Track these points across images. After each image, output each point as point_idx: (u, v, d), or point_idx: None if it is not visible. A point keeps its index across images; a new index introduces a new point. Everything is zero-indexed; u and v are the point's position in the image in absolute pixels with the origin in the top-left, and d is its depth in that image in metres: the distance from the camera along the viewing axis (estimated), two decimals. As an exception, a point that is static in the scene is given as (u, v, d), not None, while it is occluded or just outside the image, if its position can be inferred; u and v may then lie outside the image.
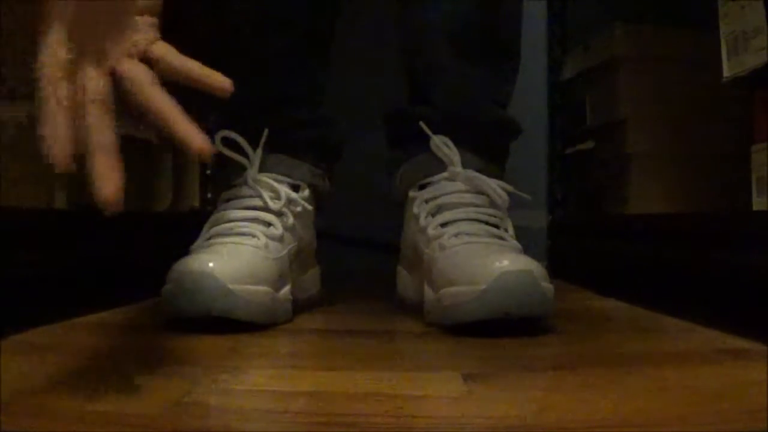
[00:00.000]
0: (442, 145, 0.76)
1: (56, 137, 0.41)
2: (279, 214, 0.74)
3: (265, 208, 0.74)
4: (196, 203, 1.15)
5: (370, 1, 1.16)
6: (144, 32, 0.46)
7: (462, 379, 0.47)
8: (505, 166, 0.83)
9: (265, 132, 0.76)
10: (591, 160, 1.18)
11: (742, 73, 0.72)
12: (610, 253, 1.03)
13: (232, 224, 0.71)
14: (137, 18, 0.46)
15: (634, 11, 1.08)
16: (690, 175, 1.01)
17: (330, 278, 0.89)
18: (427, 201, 0.76)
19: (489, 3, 0.79)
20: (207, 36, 0.67)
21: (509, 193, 0.75)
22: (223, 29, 0.66)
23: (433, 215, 0.75)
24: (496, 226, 0.73)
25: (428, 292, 0.71)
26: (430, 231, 0.73)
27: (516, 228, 0.74)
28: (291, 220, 0.75)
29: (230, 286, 0.62)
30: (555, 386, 0.49)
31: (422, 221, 0.75)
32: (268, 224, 0.73)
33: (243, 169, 0.75)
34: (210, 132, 0.73)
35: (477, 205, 0.74)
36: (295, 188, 0.78)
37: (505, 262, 0.63)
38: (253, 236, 0.70)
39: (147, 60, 0.46)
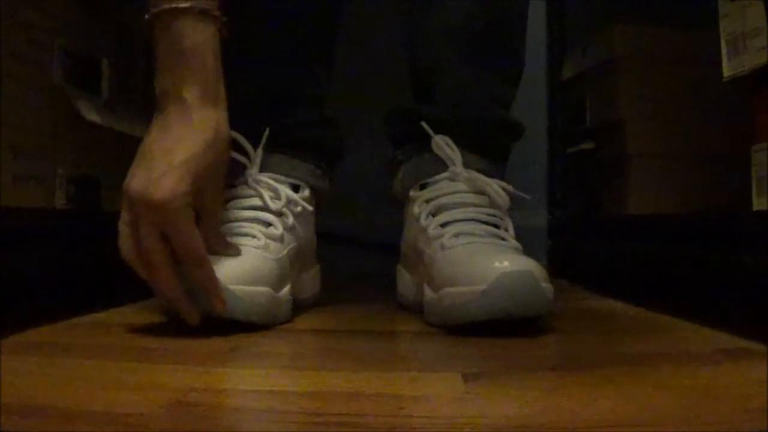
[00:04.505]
0: (443, 145, 0.76)
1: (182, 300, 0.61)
2: (279, 214, 0.74)
3: (265, 208, 0.74)
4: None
5: (373, 2, 1.16)
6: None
7: (462, 379, 0.47)
8: (506, 166, 0.83)
9: (266, 132, 0.76)
10: (591, 160, 1.18)
11: (742, 73, 0.71)
12: (610, 253, 1.03)
13: (232, 224, 0.71)
14: None
15: (634, 11, 1.08)
16: (690, 175, 1.01)
17: (330, 278, 0.89)
18: (427, 201, 0.76)
19: (493, 4, 0.79)
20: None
21: (509, 193, 0.75)
22: (229, 22, 0.66)
23: (434, 215, 0.75)
24: (497, 226, 0.73)
25: (428, 292, 0.71)
26: (431, 231, 0.73)
27: (516, 228, 0.74)
28: (291, 220, 0.75)
29: (230, 287, 0.62)
30: (555, 386, 0.49)
31: (423, 221, 0.75)
32: (268, 224, 0.73)
33: (243, 168, 0.75)
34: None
35: (477, 206, 0.74)
36: (296, 188, 0.78)
37: (506, 263, 0.63)
38: (253, 236, 0.70)
39: None
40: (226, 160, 0.66)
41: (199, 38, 0.63)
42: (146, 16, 0.64)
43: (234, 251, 0.66)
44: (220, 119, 0.64)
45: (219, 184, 0.66)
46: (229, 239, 0.70)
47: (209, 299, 0.61)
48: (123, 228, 0.61)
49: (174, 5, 0.62)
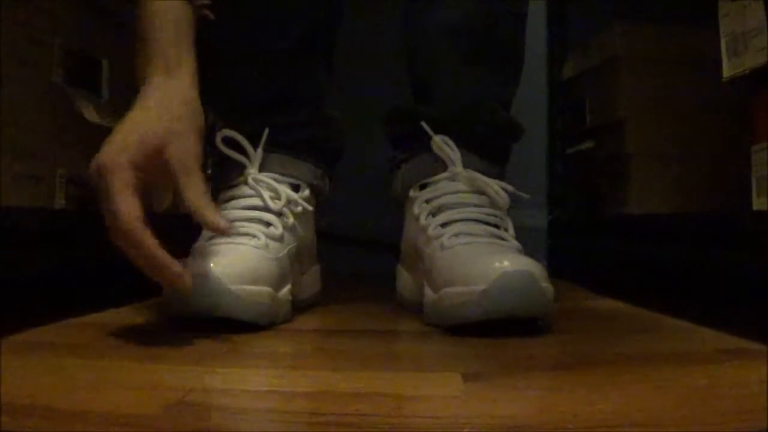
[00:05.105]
0: (443, 145, 0.76)
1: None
2: (279, 214, 0.74)
3: (265, 208, 0.74)
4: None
5: (372, 1, 1.16)
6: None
7: (462, 379, 0.47)
8: (506, 166, 0.83)
9: (266, 131, 0.76)
10: (591, 160, 1.18)
11: (742, 73, 0.72)
12: (610, 253, 1.03)
13: (231, 224, 0.71)
14: None
15: (634, 11, 1.08)
16: (690, 175, 1.01)
17: (330, 278, 0.89)
18: (427, 201, 0.76)
19: (492, 4, 0.79)
20: (211, 35, 0.68)
21: (509, 193, 0.75)
22: (226, 29, 0.66)
23: (434, 215, 0.75)
24: (497, 227, 0.73)
25: (428, 292, 0.71)
26: (431, 231, 0.73)
27: (516, 228, 0.74)
28: (291, 220, 0.75)
29: (230, 287, 0.62)
30: (555, 386, 0.49)
31: (423, 221, 0.75)
32: (268, 224, 0.73)
33: (243, 168, 0.75)
34: (211, 131, 0.73)
35: (477, 206, 0.74)
36: (295, 188, 0.78)
37: (506, 263, 0.63)
38: (253, 236, 0.70)
39: None
40: (182, 115, 0.62)
41: (163, 14, 0.63)
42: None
43: (222, 223, 0.62)
44: (174, 84, 0.63)
45: (184, 138, 0.61)
46: (229, 239, 0.70)
47: (162, 280, 0.59)
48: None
49: None
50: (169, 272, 0.58)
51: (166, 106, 0.62)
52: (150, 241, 0.57)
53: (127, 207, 0.56)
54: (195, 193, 0.61)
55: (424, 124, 0.77)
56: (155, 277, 0.59)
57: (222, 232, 0.63)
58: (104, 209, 0.58)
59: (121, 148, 0.58)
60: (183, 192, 0.61)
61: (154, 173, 0.60)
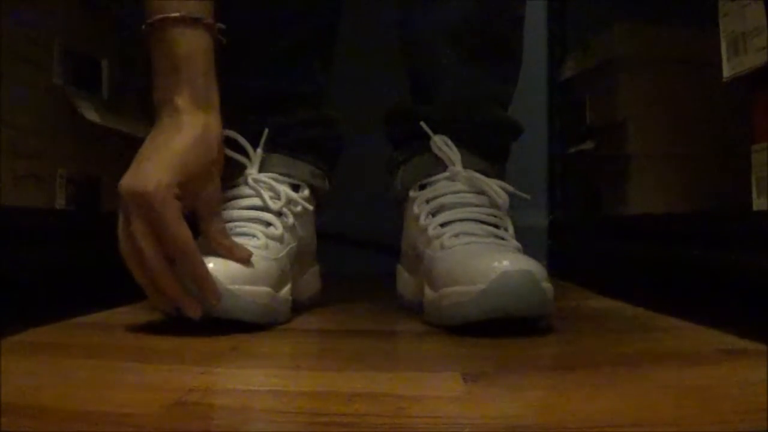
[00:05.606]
0: (442, 145, 0.76)
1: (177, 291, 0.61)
2: (279, 214, 0.74)
3: (265, 208, 0.74)
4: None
5: (371, 1, 1.16)
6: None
7: (462, 379, 0.47)
8: (505, 166, 0.83)
9: (266, 131, 0.76)
10: (591, 160, 1.18)
11: (742, 73, 0.71)
12: (610, 253, 1.03)
13: (231, 224, 0.71)
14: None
15: (634, 11, 1.08)
16: (690, 175, 1.01)
17: (330, 278, 0.89)
18: (427, 201, 0.76)
19: (490, 3, 0.79)
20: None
21: (509, 193, 0.75)
22: (225, 29, 0.67)
23: (434, 215, 0.75)
24: (497, 226, 0.73)
25: (428, 292, 0.71)
26: (431, 231, 0.73)
27: (516, 228, 0.74)
28: (291, 220, 0.75)
29: (230, 287, 0.62)
30: (555, 386, 0.49)
31: (422, 221, 0.75)
32: (268, 224, 0.73)
33: (243, 168, 0.75)
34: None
35: (477, 205, 0.74)
36: (295, 188, 0.78)
37: (505, 262, 0.63)
38: (253, 236, 0.70)
39: None
40: (217, 157, 0.66)
41: (191, 46, 0.65)
42: (142, 26, 0.65)
43: (244, 253, 0.66)
44: (209, 121, 0.65)
45: (214, 181, 0.66)
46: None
47: (201, 294, 0.61)
48: (120, 232, 0.62)
49: (166, 15, 0.64)
50: (209, 290, 0.61)
51: (207, 145, 0.65)
52: (203, 262, 0.62)
53: (186, 232, 0.61)
54: (218, 232, 0.66)
55: (423, 124, 0.77)
56: (170, 300, 0.62)
57: (243, 263, 0.66)
58: (135, 231, 0.60)
59: (168, 181, 0.61)
60: (207, 230, 0.66)
61: (184, 205, 0.63)
